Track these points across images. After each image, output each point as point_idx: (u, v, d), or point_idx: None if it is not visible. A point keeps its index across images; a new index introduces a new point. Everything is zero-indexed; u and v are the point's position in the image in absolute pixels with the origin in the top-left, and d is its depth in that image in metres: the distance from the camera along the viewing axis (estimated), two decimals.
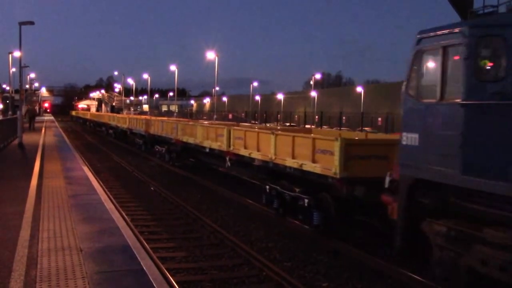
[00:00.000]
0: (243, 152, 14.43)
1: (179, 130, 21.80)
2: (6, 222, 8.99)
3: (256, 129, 15.04)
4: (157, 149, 25.69)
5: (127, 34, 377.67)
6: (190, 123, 22.87)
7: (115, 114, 55.39)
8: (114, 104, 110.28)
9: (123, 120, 38.73)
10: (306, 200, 10.90)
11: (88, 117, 73.51)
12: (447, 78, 7.24)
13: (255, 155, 13.53)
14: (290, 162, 11.55)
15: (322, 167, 10.26)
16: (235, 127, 15.63)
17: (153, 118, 36.17)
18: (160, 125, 25.66)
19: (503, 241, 6.22)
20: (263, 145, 13.12)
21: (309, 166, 10.74)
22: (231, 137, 15.45)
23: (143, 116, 44.99)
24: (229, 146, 15.51)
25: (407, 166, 7.85)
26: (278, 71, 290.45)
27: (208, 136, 17.89)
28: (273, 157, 12.34)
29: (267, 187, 12.77)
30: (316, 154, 10.59)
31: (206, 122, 25.26)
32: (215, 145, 16.88)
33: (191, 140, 19.86)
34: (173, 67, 77.44)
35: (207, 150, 17.97)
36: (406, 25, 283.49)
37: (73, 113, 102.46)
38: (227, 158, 15.94)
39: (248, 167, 14.75)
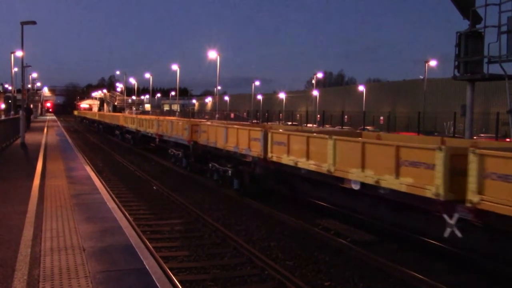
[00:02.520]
0: (286, 160, 12.10)
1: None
2: (9, 222, 9.01)
3: (303, 133, 12.08)
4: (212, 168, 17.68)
5: (129, 34, 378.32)
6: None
7: (134, 115, 45.21)
8: (116, 103, 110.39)
9: (149, 123, 28.61)
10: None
11: (97, 118, 62.15)
12: None
13: (304, 164, 11.25)
14: (358, 176, 9.35)
15: (414, 184, 8.02)
16: (274, 130, 13.27)
17: (203, 121, 25.09)
18: (220, 132, 16.61)
19: None
20: (316, 153, 10.89)
21: (389, 183, 8.54)
22: (268, 142, 12.99)
23: (178, 119, 32.33)
24: (267, 153, 13.13)
25: None
26: (280, 70, 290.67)
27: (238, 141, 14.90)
28: (332, 169, 10.17)
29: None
30: (401, 167, 8.28)
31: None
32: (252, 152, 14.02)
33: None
34: (175, 67, 77.45)
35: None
36: (407, 24, 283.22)
37: (77, 112, 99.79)
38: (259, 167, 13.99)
39: (291, 178, 13.16)
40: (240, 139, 14.77)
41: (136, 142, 33.18)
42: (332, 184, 10.67)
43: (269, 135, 12.97)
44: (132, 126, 33.83)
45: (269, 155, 12.92)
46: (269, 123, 45.56)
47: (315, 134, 11.54)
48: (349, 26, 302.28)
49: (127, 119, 37.16)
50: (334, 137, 10.32)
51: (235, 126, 16.11)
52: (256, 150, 13.62)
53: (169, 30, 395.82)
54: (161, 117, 33.81)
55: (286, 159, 12.04)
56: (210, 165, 17.32)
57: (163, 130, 24.19)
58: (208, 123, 19.58)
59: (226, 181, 16.24)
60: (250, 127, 15.40)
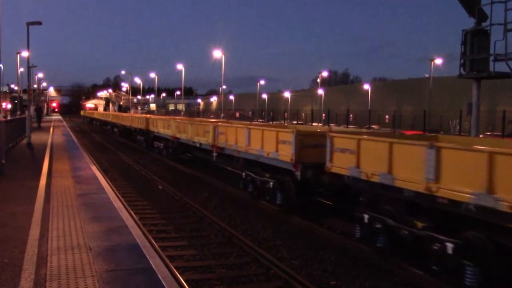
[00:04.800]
0: (355, 173, 9.73)
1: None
2: (15, 221, 9.05)
3: (381, 138, 9.71)
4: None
5: (134, 34, 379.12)
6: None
7: (168, 117, 36.99)
8: (121, 103, 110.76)
9: (197, 128, 20.19)
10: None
11: (110, 119, 51.73)
12: None
13: (386, 179, 8.75)
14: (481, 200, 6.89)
15: None
16: (338, 134, 10.63)
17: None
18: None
19: None
20: (406, 165, 8.40)
21: None
22: (333, 148, 10.54)
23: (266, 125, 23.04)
24: (331, 160, 10.57)
25: None
26: (285, 69, 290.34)
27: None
28: (434, 188, 7.68)
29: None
30: None
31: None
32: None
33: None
34: (180, 66, 77.80)
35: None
36: (412, 23, 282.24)
37: (84, 112, 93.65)
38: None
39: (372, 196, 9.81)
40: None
41: (170, 153, 25.51)
42: (434, 208, 8.03)
43: (331, 140, 10.56)
44: (165, 132, 25.52)
45: (328, 165, 10.57)
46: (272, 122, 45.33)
47: (399, 140, 9.00)
48: (355, 25, 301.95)
49: (157, 123, 28.13)
50: (436, 144, 7.91)
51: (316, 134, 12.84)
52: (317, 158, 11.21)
53: (174, 29, 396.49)
54: (221, 121, 22.77)
55: (355, 171, 9.64)
56: (243, 174, 15.15)
57: (227, 140, 16.24)
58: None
59: (265, 194, 13.77)
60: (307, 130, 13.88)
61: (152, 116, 34.02)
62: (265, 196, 13.74)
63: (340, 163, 10.21)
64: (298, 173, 11.90)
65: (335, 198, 12.68)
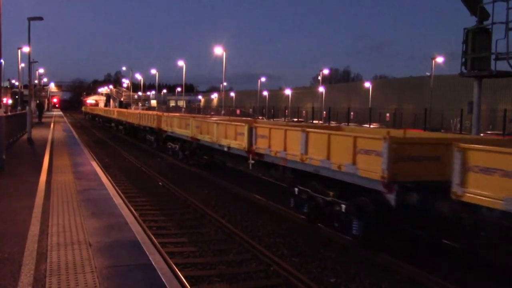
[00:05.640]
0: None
1: None
2: (16, 217, 9.06)
3: None
4: None
5: (135, 30, 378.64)
6: None
7: (187, 115, 32.83)
8: (122, 99, 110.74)
9: (224, 129, 16.93)
10: None
11: (115, 116, 47.08)
12: None
13: None
14: None
15: None
16: (475, 146, 7.54)
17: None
18: None
19: None
20: None
21: None
22: (467, 166, 7.44)
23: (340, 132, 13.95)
24: (464, 184, 7.47)
25: None
26: (286, 66, 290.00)
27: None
28: None
29: None
30: None
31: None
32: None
33: None
34: (181, 63, 77.74)
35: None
36: (414, 21, 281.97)
37: (85, 109, 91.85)
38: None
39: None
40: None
41: (187, 156, 22.51)
42: None
43: (463, 154, 7.49)
44: (182, 132, 22.32)
45: (458, 190, 7.49)
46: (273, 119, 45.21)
47: None
48: (356, 23, 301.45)
49: (172, 121, 24.66)
50: None
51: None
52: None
53: (175, 26, 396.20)
54: (260, 121, 20.82)
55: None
56: (295, 189, 11.87)
57: (270, 146, 12.98)
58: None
59: (329, 218, 10.65)
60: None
61: (166, 114, 30.57)
62: (331, 221, 10.57)
63: (482, 189, 7.10)
64: (391, 197, 8.63)
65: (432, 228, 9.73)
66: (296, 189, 11.84)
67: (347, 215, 9.83)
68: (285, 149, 12.13)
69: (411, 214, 9.09)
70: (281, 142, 12.32)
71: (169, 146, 25.21)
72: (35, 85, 73.38)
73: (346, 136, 10.13)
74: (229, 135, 16.11)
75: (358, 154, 9.34)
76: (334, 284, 7.93)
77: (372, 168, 8.88)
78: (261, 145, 13.56)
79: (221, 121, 18.14)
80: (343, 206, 9.98)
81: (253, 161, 14.33)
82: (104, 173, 15.87)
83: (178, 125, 23.20)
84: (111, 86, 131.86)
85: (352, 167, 9.44)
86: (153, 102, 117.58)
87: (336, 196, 10.38)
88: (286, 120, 58.13)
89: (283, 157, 12.23)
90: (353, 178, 9.56)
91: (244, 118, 31.80)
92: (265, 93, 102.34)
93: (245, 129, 14.56)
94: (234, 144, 15.53)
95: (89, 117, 75.97)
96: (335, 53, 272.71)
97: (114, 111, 51.68)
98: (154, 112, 36.85)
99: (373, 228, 9.39)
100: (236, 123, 16.41)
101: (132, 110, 56.14)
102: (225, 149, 16.54)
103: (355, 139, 9.48)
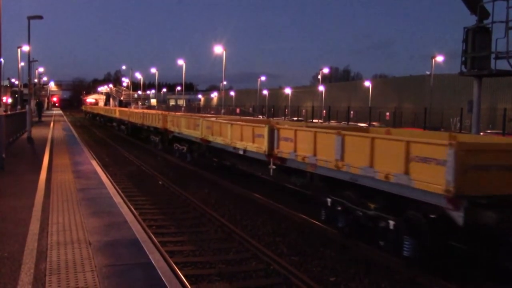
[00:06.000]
0: None
1: None
2: (15, 216, 9.06)
3: None
4: None
5: (135, 29, 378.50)
6: None
7: (197, 114, 30.77)
8: (122, 98, 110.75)
9: (239, 130, 15.72)
10: None
11: (117, 115, 45.77)
12: None
13: None
14: None
15: None
16: None
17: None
18: None
19: None
20: None
21: None
22: None
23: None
24: None
25: None
26: (286, 65, 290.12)
27: None
28: None
29: None
30: None
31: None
32: None
33: None
34: (180, 62, 77.67)
35: None
36: (414, 20, 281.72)
37: (85, 108, 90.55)
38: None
39: None
40: None
41: (196, 158, 21.44)
42: None
43: None
44: (191, 133, 20.88)
45: None
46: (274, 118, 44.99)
47: None
48: (356, 22, 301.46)
49: (179, 121, 23.23)
50: None
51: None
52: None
53: (175, 25, 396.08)
54: (284, 122, 19.06)
55: None
56: (329, 200, 10.63)
57: (296, 150, 11.74)
58: None
59: (374, 234, 9.33)
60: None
61: (172, 113, 29.42)
62: (374, 238, 9.28)
63: None
64: (459, 214, 7.19)
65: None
66: (329, 200, 10.60)
67: (397, 234, 8.53)
68: (314, 154, 10.80)
69: (482, 236, 7.80)
70: (310, 146, 10.99)
71: (176, 148, 23.92)
72: (35, 84, 73.40)
73: (396, 140, 8.61)
74: (246, 137, 14.80)
75: (412, 162, 7.95)
76: (333, 283, 7.94)
77: (432, 179, 7.51)
78: (284, 149, 12.28)
79: (236, 122, 16.74)
80: (391, 222, 8.63)
81: (274, 166, 13.07)
82: (104, 173, 15.86)
83: (186, 126, 21.82)
84: (111, 85, 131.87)
85: (404, 177, 8.04)
86: (153, 101, 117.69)
87: (378, 209, 9.14)
88: (286, 119, 58.08)
89: (312, 163, 10.85)
90: (401, 189, 8.22)
91: (260, 118, 29.70)
92: (265, 92, 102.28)
93: (265, 131, 13.29)
94: (251, 147, 14.28)
95: (90, 116, 75.31)
96: (335, 52, 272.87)
97: (116, 110, 49.85)
98: (159, 112, 34.68)
99: (430, 249, 8.17)
100: (254, 124, 15.29)
101: (135, 109, 54.40)
102: (241, 152, 15.23)
103: (407, 144, 8.06)
